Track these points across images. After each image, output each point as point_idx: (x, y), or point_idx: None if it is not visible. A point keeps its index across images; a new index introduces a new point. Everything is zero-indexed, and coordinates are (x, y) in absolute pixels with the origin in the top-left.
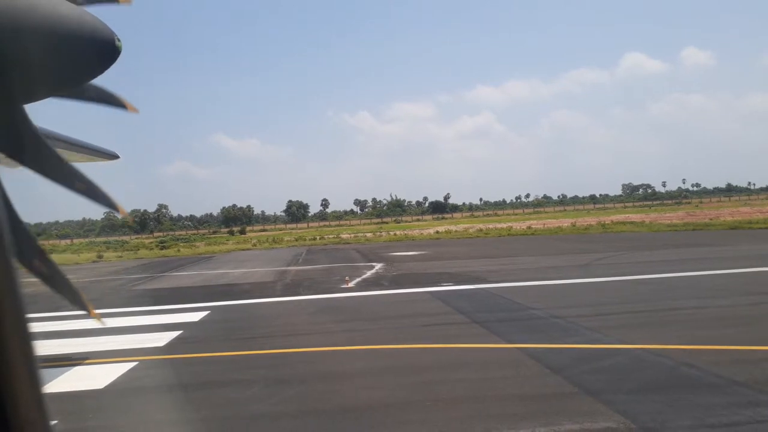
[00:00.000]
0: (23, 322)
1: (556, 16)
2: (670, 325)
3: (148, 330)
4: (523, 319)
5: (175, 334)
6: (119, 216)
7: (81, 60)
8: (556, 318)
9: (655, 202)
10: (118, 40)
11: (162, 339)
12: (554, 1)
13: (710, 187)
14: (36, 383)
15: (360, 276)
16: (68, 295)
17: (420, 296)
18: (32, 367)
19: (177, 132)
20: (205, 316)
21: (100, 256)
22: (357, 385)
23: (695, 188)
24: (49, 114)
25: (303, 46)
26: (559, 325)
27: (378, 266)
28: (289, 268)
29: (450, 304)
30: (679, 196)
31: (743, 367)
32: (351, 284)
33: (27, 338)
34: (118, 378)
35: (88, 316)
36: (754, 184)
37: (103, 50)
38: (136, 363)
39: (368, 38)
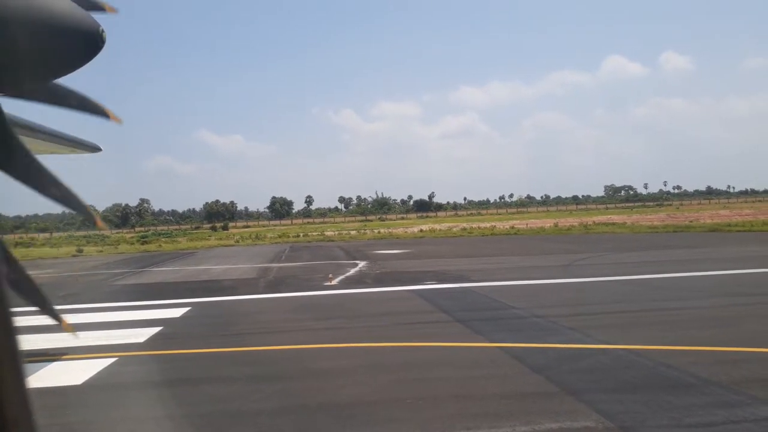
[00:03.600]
0: (8, 317)
1: (538, 19)
2: (650, 326)
3: (128, 326)
4: (505, 318)
5: (155, 330)
6: (96, 227)
7: (63, 50)
8: (538, 317)
9: (636, 204)
10: (103, 31)
11: (142, 335)
12: (536, 4)
13: (691, 189)
14: (21, 380)
15: (343, 274)
16: (38, 303)
17: (403, 294)
18: (17, 364)
19: (160, 126)
20: (186, 313)
21: (80, 251)
22: (339, 383)
23: (676, 191)
24: (29, 104)
25: (288, 44)
26: (541, 324)
27: (362, 264)
28: (272, 264)
29: (433, 303)
30: (661, 198)
31: (721, 367)
32: (334, 282)
33: (12, 334)
34: (96, 374)
35: (59, 326)
36: (733, 188)
37: (87, 41)
38: (116, 359)
39: (352, 38)
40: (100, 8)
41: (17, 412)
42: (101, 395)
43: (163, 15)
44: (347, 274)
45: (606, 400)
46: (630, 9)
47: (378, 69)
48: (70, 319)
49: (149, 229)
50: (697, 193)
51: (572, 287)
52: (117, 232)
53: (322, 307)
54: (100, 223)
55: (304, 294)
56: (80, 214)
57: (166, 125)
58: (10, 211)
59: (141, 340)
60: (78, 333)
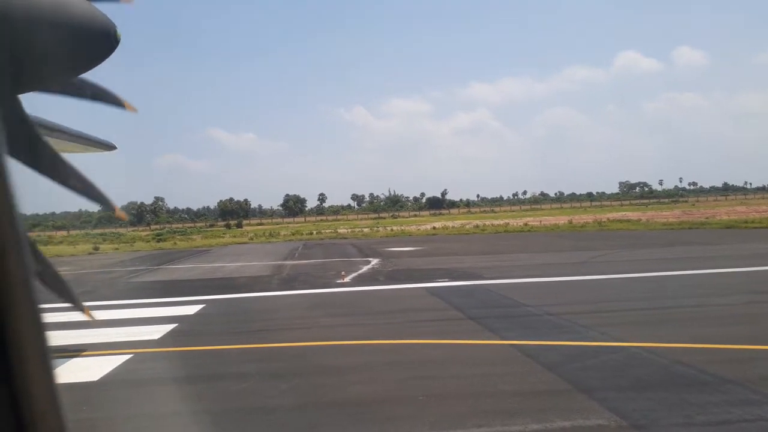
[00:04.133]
0: (37, 313)
1: (550, 14)
2: (666, 324)
3: (144, 323)
4: (518, 316)
5: (170, 327)
6: (114, 215)
7: (80, 49)
8: (551, 315)
9: (651, 201)
10: (117, 31)
11: (157, 332)
12: None
13: (707, 186)
14: (50, 375)
15: (356, 271)
16: (60, 291)
17: (415, 292)
18: (46, 358)
19: (173, 124)
20: (201, 310)
21: (96, 248)
22: (350, 380)
23: (692, 187)
24: (44, 103)
25: (298, 42)
26: (554, 322)
27: (374, 261)
28: (286, 262)
29: (445, 300)
30: (676, 195)
31: (737, 365)
32: (347, 279)
33: (41, 329)
34: (112, 370)
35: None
36: (750, 184)
37: (102, 40)
38: (131, 355)
39: (362, 34)
40: (121, 105)
41: (45, 405)
42: (117, 391)
43: (175, 13)
44: (360, 271)
45: (619, 398)
46: (642, 3)
47: (387, 66)
48: (94, 316)
49: (164, 227)
50: (714, 190)
51: (587, 284)
52: (133, 230)
53: (335, 304)
54: (119, 212)
55: (318, 291)
56: (100, 204)
57: (179, 123)
58: (29, 209)
59: (156, 336)
60: (95, 330)
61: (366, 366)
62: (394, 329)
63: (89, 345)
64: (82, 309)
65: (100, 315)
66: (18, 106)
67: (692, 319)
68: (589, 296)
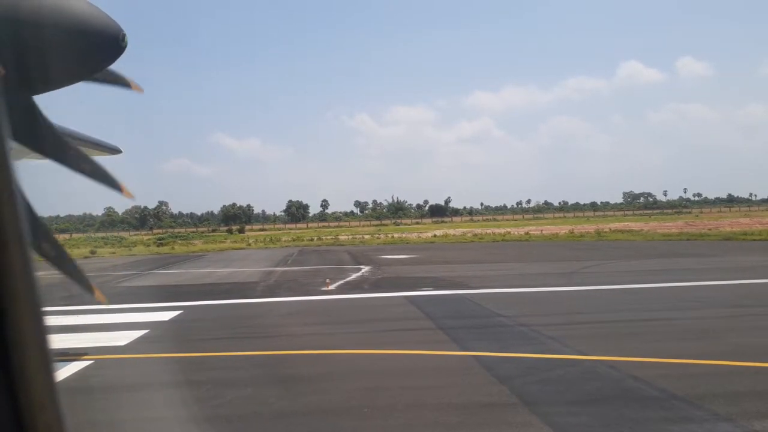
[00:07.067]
0: (38, 308)
1: (553, 24)
2: (634, 337)
3: (115, 329)
4: (489, 327)
5: (140, 333)
6: (123, 195)
7: (87, 53)
8: (522, 326)
9: (655, 211)
10: (124, 35)
11: (125, 338)
12: (550, 9)
13: (712, 197)
14: (48, 369)
15: (343, 278)
16: (74, 276)
17: (395, 301)
18: (45, 353)
19: (178, 129)
20: (176, 316)
21: (93, 252)
22: (302, 390)
23: (697, 198)
24: (50, 107)
25: (302, 49)
26: (522, 333)
27: (365, 269)
28: (277, 268)
29: (422, 310)
30: (680, 206)
31: (689, 381)
32: (331, 287)
33: (41, 324)
34: (67, 377)
35: (90, 297)
36: (755, 195)
37: (109, 44)
38: (91, 362)
39: (365, 42)
40: (127, 85)
41: (44, 397)
42: (66, 399)
43: (182, 18)
44: (347, 279)
45: (561, 413)
46: (645, 14)
47: (392, 74)
48: (63, 321)
49: (167, 232)
50: (718, 201)
51: (569, 296)
52: (135, 234)
53: (311, 312)
54: (128, 192)
55: (299, 299)
56: (109, 186)
57: (184, 128)
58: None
59: (122, 343)
60: (63, 335)
61: (323, 376)
62: (362, 339)
63: (54, 351)
64: (92, 291)
65: (75, 320)
66: (28, 99)
67: (661, 333)
68: (566, 307)
